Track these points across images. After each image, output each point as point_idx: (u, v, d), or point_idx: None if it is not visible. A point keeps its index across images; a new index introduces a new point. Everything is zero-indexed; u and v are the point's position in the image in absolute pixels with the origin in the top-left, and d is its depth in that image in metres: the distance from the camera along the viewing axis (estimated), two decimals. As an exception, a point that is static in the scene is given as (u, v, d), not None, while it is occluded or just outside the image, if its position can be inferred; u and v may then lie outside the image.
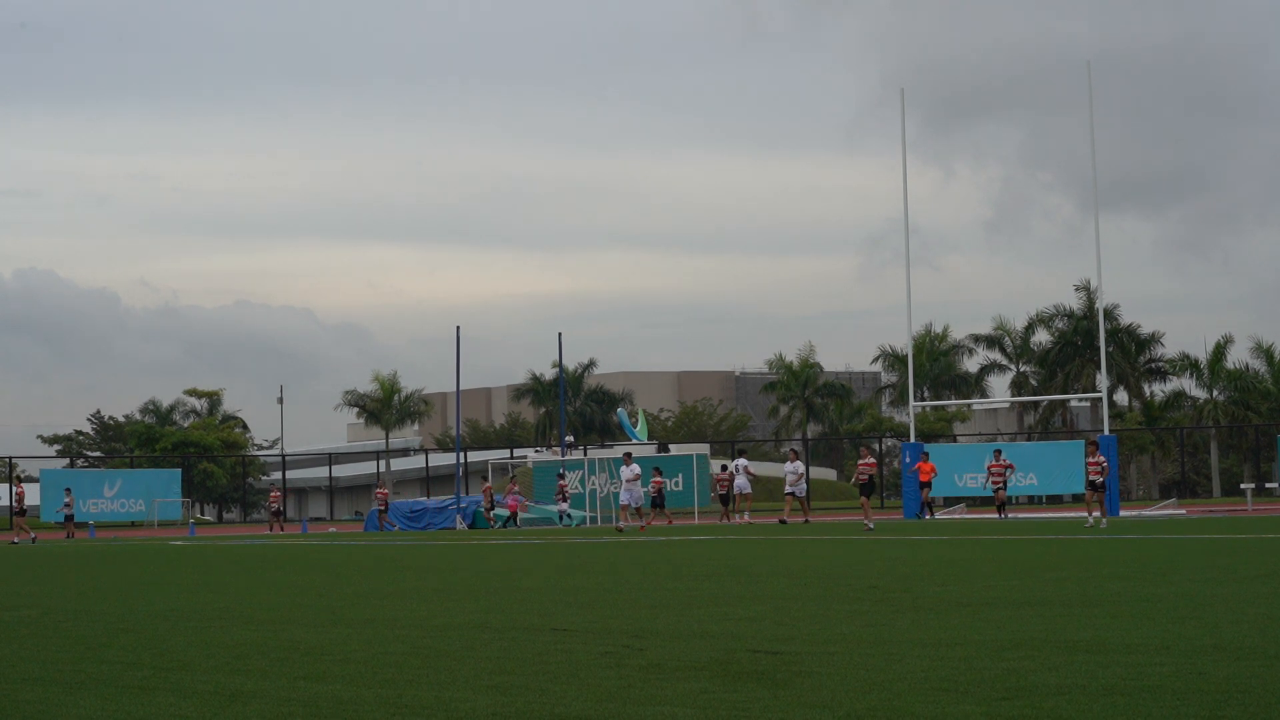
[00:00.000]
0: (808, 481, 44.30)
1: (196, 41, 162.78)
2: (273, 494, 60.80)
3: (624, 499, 38.20)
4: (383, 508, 52.96)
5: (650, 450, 60.49)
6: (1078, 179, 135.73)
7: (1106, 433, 47.09)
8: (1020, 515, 45.74)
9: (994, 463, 42.94)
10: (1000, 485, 42.07)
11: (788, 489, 41.16)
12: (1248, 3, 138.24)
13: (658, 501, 47.34)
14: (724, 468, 48.37)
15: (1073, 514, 46.47)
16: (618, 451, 60.92)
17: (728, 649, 9.71)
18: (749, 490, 44.67)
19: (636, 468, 38.40)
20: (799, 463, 42.09)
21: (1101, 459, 32.24)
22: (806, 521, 40.80)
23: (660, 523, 43.32)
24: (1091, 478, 31.96)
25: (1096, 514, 31.28)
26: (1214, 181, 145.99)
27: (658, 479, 47.78)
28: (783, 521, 40.26)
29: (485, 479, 54.54)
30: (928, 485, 44.79)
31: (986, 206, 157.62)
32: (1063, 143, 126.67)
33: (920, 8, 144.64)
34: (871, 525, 33.02)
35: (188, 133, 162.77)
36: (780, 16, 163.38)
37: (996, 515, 41.22)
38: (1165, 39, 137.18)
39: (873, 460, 35.09)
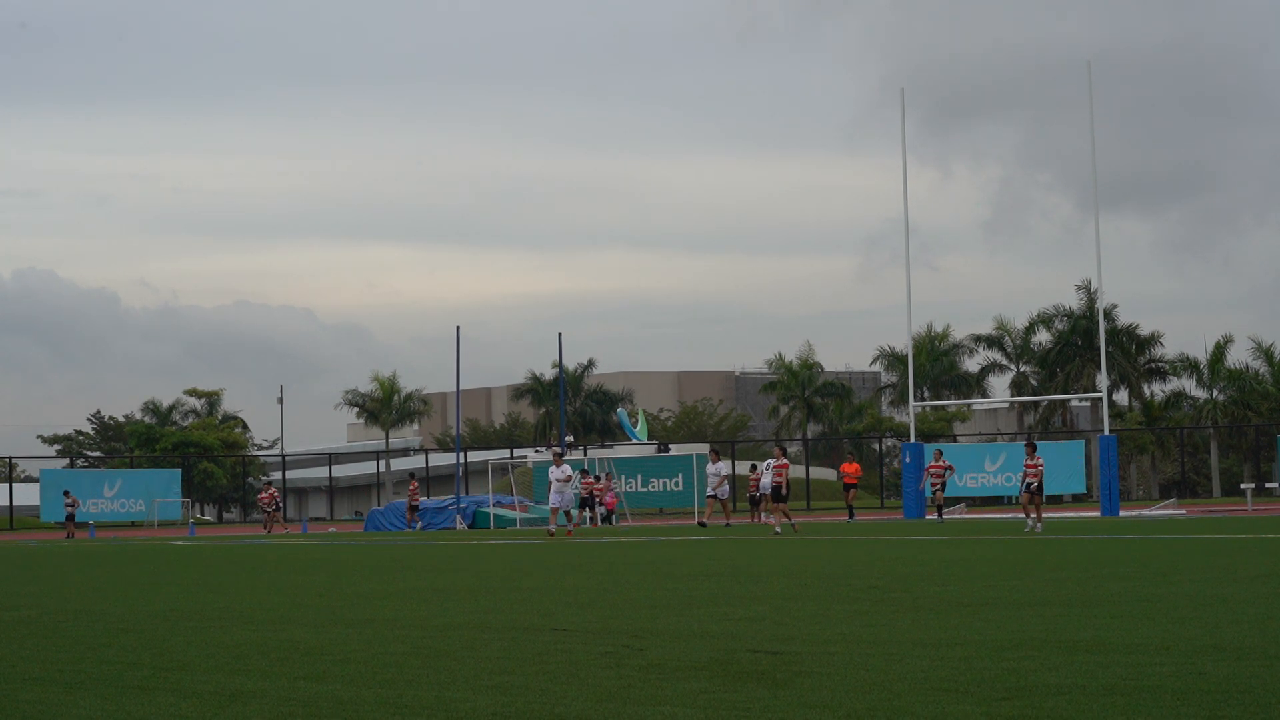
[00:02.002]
0: (733, 483, 43.39)
1: (196, 41, 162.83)
2: (264, 495, 59.60)
3: (554, 501, 36.05)
4: (271, 509, 53.10)
5: (650, 450, 60.49)
6: (1076, 179, 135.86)
7: (1106, 433, 47.10)
8: (1021, 515, 45.72)
9: (934, 464, 41.54)
10: (939, 487, 40.73)
11: (710, 491, 39.99)
12: (1247, 3, 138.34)
13: (587, 503, 47.26)
14: (753, 468, 48.38)
15: (1072, 514, 46.51)
16: (619, 452, 60.98)
17: (728, 649, 9.71)
18: (768, 491, 44.53)
19: (568, 469, 36.60)
20: (722, 463, 40.75)
21: (1039, 461, 31.25)
22: (728, 524, 39.73)
23: (585, 525, 42.90)
24: (1029, 480, 30.91)
25: (1034, 517, 30.42)
26: (1213, 181, 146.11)
27: (587, 480, 47.71)
28: (702, 524, 38.87)
29: (411, 476, 54.23)
30: (854, 487, 43.84)
31: (985, 207, 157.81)
32: (1061, 143, 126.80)
33: (919, 8, 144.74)
34: (788, 527, 32.26)
35: (188, 133, 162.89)
36: (780, 17, 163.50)
37: (935, 518, 40.23)
38: (1164, 39, 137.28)
39: (786, 462, 33.61)
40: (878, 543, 26.49)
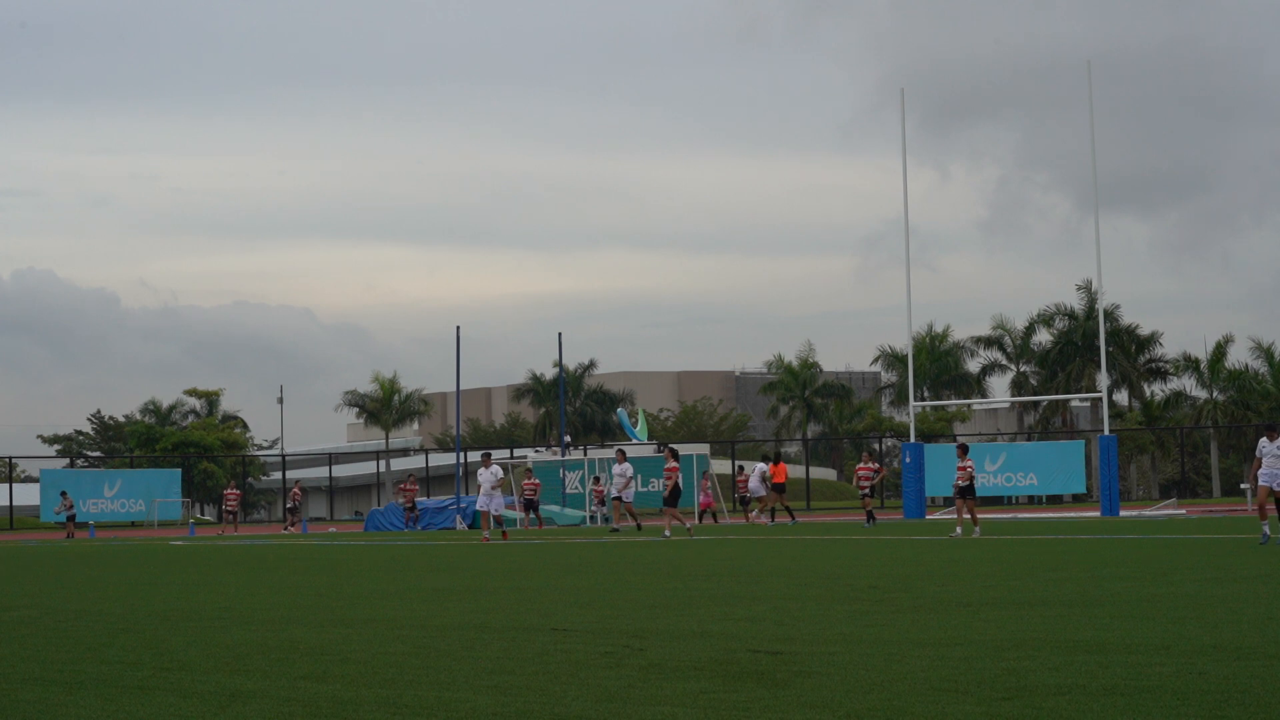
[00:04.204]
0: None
1: (196, 41, 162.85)
2: (228, 494, 58.62)
3: (481, 504, 33.63)
4: (233, 509, 53.37)
5: (650, 450, 60.41)
6: (1074, 179, 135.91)
7: (1106, 433, 47.11)
8: (1021, 515, 45.77)
9: (863, 465, 38.86)
10: (868, 490, 38.02)
11: (615, 493, 38.16)
12: (1247, 3, 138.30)
13: (532, 504, 46.65)
14: (740, 469, 47.95)
15: (1072, 514, 46.54)
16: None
17: (728, 649, 9.71)
18: (762, 493, 43.98)
19: (498, 470, 34.06)
20: (627, 464, 38.42)
21: (969, 463, 29.88)
22: (620, 528, 37.85)
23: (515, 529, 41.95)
24: (960, 483, 29.63)
25: (967, 519, 29.35)
26: (1212, 182, 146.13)
27: (530, 481, 47.28)
28: (615, 529, 37.54)
29: (410, 476, 54.22)
30: (781, 489, 41.52)
31: (982, 207, 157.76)
32: (1059, 144, 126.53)
33: (918, 9, 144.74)
34: (680, 529, 31.00)
35: (188, 133, 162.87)
36: (779, 17, 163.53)
37: (865, 523, 37.28)
38: (1164, 39, 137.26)
39: (675, 465, 32.53)
40: (878, 543, 26.49)
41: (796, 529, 36.43)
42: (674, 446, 35.58)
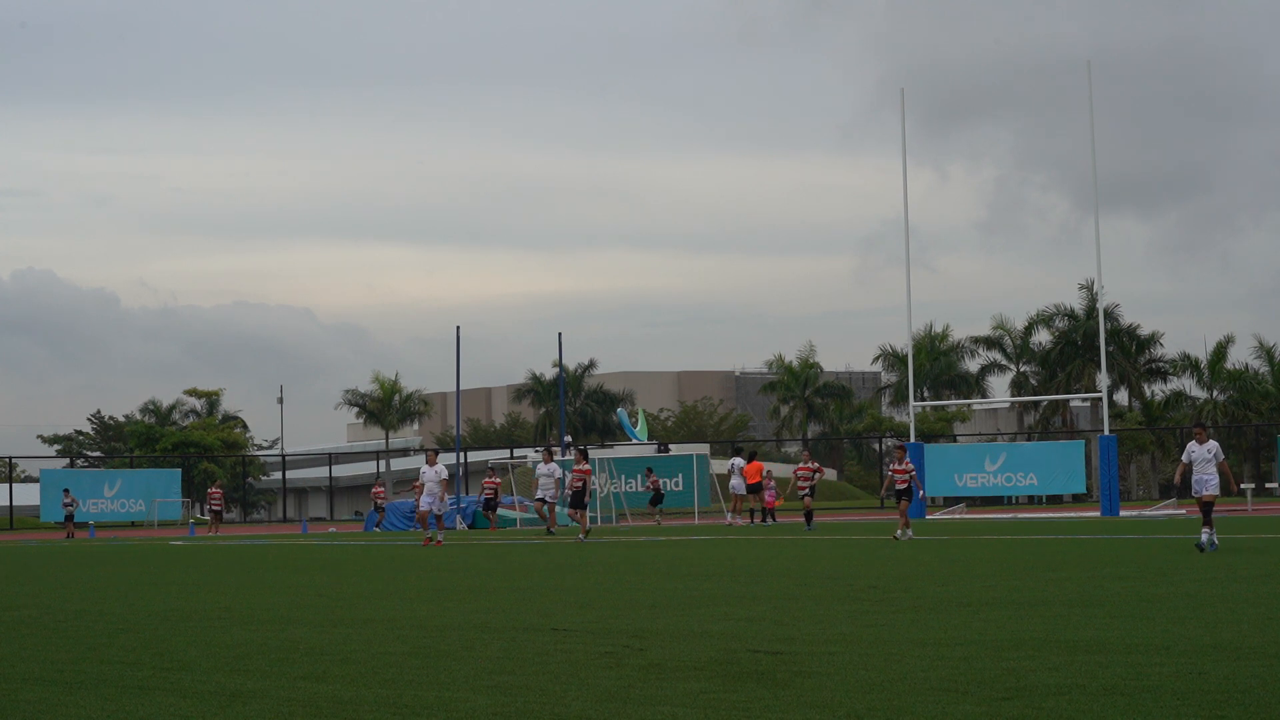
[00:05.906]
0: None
1: (196, 41, 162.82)
2: (212, 493, 57.87)
3: (425, 505, 31.38)
4: (217, 508, 53.22)
5: (650, 450, 60.42)
6: (1073, 180, 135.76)
7: (1106, 433, 47.11)
8: (1021, 515, 45.76)
9: (803, 465, 37.86)
10: (807, 491, 36.73)
11: (538, 494, 37.24)
12: (1246, 4, 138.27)
13: (491, 504, 46.25)
14: (730, 469, 47.86)
15: (1072, 514, 46.54)
16: (619, 452, 60.89)
17: (728, 649, 9.72)
18: (743, 491, 43.62)
19: (442, 469, 31.40)
20: (553, 464, 37.52)
21: (909, 465, 28.96)
22: (550, 531, 37.04)
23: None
24: (899, 487, 28.62)
25: (906, 527, 28.21)
26: (1211, 182, 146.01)
27: (492, 480, 47.05)
28: (550, 531, 36.93)
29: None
30: (759, 490, 41.07)
31: (981, 208, 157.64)
32: (1057, 144, 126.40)
33: (917, 10, 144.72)
34: (583, 537, 30.54)
35: (187, 133, 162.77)
36: (778, 18, 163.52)
37: (806, 525, 35.72)
38: (1162, 40, 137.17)
39: (587, 466, 32.13)
40: (877, 543, 26.49)
41: (752, 530, 36.09)
42: (584, 447, 35.08)
